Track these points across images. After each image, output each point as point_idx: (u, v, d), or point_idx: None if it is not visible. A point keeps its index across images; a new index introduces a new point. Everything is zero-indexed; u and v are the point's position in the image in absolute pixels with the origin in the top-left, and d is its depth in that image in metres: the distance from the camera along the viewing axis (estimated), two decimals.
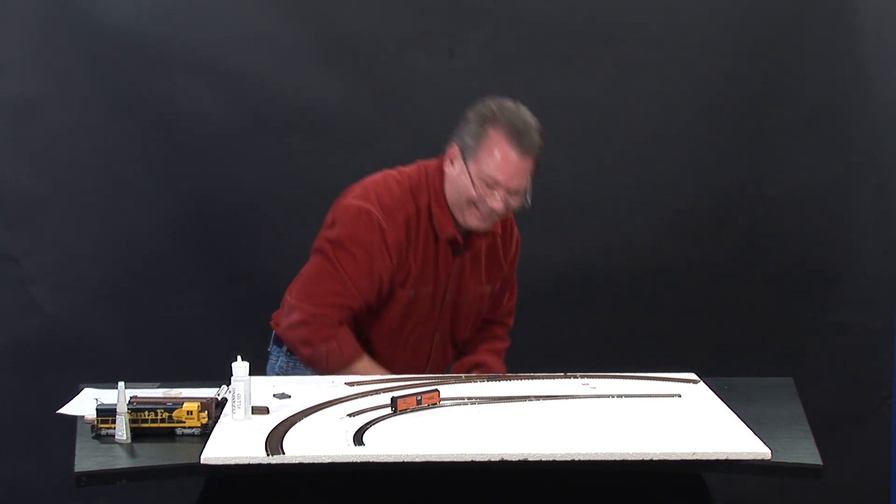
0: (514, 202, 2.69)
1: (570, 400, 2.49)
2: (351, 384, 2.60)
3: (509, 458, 2.10)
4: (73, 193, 3.76)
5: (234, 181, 3.78)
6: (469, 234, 2.79)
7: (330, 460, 2.10)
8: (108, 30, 3.66)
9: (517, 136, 2.63)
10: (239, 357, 2.30)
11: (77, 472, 2.07)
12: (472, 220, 2.72)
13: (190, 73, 3.71)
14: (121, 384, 2.22)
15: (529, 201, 2.73)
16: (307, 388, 2.55)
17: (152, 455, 2.15)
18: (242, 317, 3.82)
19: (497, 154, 2.64)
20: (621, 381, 2.65)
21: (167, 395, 2.38)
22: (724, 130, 3.79)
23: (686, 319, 3.85)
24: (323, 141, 3.73)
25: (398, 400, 2.33)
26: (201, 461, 2.09)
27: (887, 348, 3.69)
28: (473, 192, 2.67)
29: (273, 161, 3.79)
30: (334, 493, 2.28)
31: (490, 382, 2.63)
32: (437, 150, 3.02)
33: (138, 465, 2.12)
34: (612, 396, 2.51)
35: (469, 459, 2.10)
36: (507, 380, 2.66)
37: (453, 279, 2.81)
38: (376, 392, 2.52)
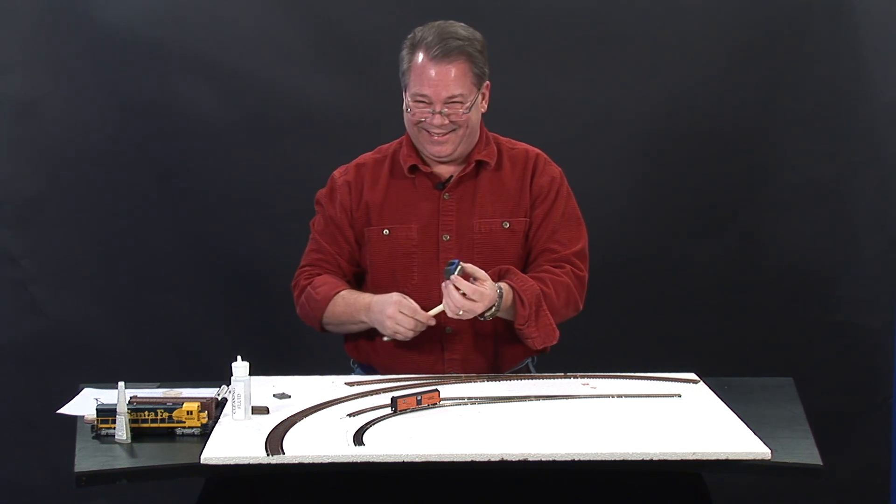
0: (454, 112, 2.70)
1: (570, 400, 2.49)
2: (351, 384, 2.60)
3: (509, 458, 2.10)
4: (73, 193, 3.77)
5: (234, 181, 3.79)
6: (465, 174, 2.80)
7: (330, 460, 2.10)
8: (108, 30, 3.67)
9: (434, 45, 2.68)
10: (239, 357, 2.30)
11: (77, 472, 2.07)
12: (428, 145, 2.75)
13: (190, 73, 3.71)
14: (121, 384, 2.22)
15: (483, 106, 2.77)
16: (307, 388, 2.55)
17: (152, 455, 2.15)
18: (242, 317, 3.83)
19: (418, 69, 2.69)
20: (621, 381, 2.65)
21: (167, 395, 2.38)
22: (723, 130, 3.79)
23: (686, 319, 3.85)
24: (323, 140, 3.73)
25: (398, 400, 2.33)
26: (201, 461, 2.09)
27: (887, 348, 3.68)
28: (414, 116, 2.72)
29: (273, 161, 3.79)
30: (334, 493, 2.28)
31: (490, 382, 2.63)
32: None
33: (138, 465, 2.12)
34: (612, 396, 2.51)
35: (469, 459, 2.10)
36: (507, 380, 2.66)
37: (447, 216, 2.80)
38: (376, 392, 2.52)
